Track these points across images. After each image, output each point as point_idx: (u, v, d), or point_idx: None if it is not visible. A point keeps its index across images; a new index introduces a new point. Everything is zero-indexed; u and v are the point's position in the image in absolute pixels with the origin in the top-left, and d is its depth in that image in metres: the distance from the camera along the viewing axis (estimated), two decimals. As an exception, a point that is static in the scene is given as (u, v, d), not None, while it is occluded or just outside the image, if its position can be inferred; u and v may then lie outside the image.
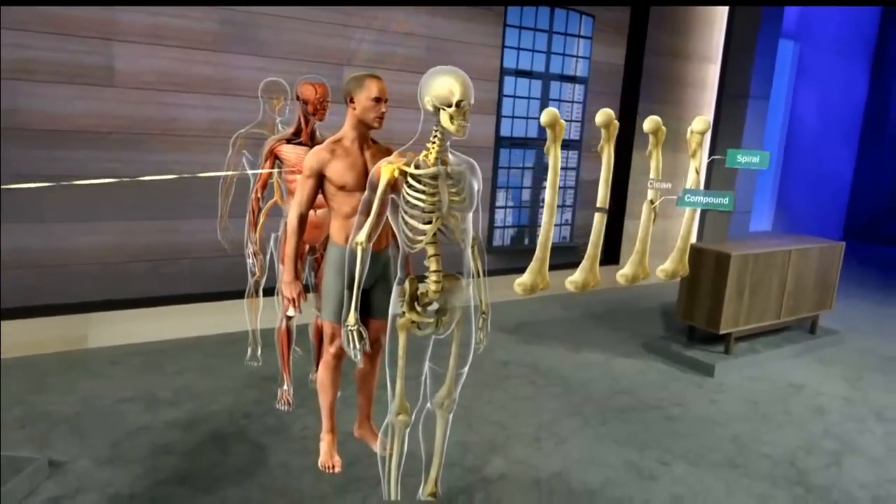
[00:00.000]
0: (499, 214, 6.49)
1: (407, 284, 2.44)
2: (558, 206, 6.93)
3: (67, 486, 2.86)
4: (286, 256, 2.84)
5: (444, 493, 2.91)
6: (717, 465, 3.43)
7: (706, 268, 4.78)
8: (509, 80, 6.19)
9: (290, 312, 3.45)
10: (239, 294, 4.29)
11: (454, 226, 2.42)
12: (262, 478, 3.01)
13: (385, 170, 2.36)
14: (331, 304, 2.82)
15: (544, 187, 6.70)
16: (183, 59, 4.65)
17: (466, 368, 2.56)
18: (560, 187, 6.74)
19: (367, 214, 2.41)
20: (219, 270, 4.89)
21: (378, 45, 5.37)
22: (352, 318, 2.50)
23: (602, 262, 7.41)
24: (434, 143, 2.33)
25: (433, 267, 2.41)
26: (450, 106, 2.23)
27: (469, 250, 2.50)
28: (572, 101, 6.66)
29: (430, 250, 2.40)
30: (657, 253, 7.93)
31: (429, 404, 2.64)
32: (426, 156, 2.36)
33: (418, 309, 2.47)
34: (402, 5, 5.42)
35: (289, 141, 3.49)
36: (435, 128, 2.31)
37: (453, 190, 2.38)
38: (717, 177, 7.25)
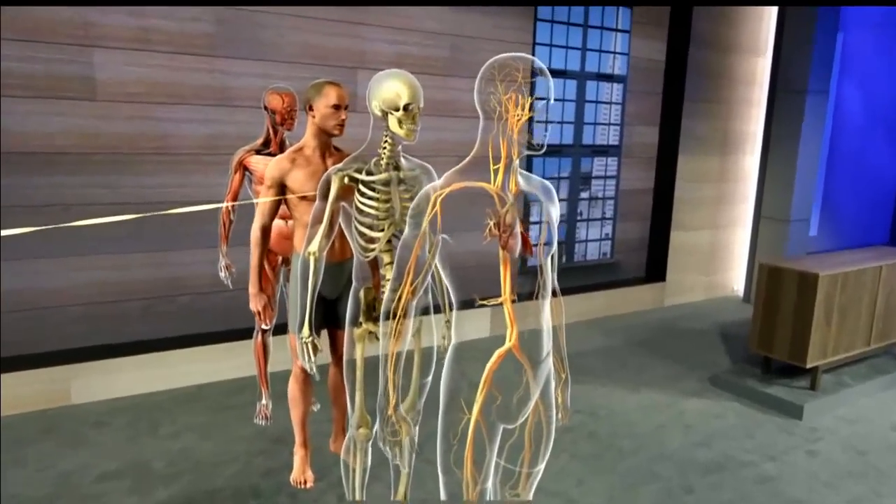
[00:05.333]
0: (533, 231, 5.83)
1: (362, 294, 2.38)
2: (597, 219, 6.32)
3: None
4: (251, 268, 2.83)
5: None
6: (841, 545, 2.75)
7: (787, 290, 4.09)
8: (541, 81, 5.53)
9: (265, 326, 3.40)
10: (246, 333, 3.68)
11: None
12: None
13: (335, 177, 2.35)
14: (297, 316, 2.66)
15: (583, 199, 6.07)
16: (174, 67, 4.04)
17: (430, 378, 2.37)
18: (599, 198, 6.12)
19: (320, 223, 2.40)
20: (222, 307, 4.26)
21: (396, 45, 4.74)
22: (306, 329, 2.53)
23: (646, 280, 6.77)
24: (385, 148, 2.32)
25: (389, 275, 2.23)
26: (397, 110, 2.23)
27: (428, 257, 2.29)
28: (610, 102, 6.01)
29: (386, 258, 2.34)
30: (707, 267, 7.20)
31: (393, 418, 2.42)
32: (377, 162, 2.34)
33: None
34: (420, 5, 4.80)
35: (258, 152, 3.37)
36: (385, 133, 2.29)
37: (406, 196, 2.34)
38: (771, 178, 6.55)
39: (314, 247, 2.41)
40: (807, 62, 6.04)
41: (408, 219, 1.83)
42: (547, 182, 1.80)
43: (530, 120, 1.80)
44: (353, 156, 2.44)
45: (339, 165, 2.39)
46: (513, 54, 1.72)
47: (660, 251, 6.51)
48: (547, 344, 1.78)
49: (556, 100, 5.67)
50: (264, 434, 3.54)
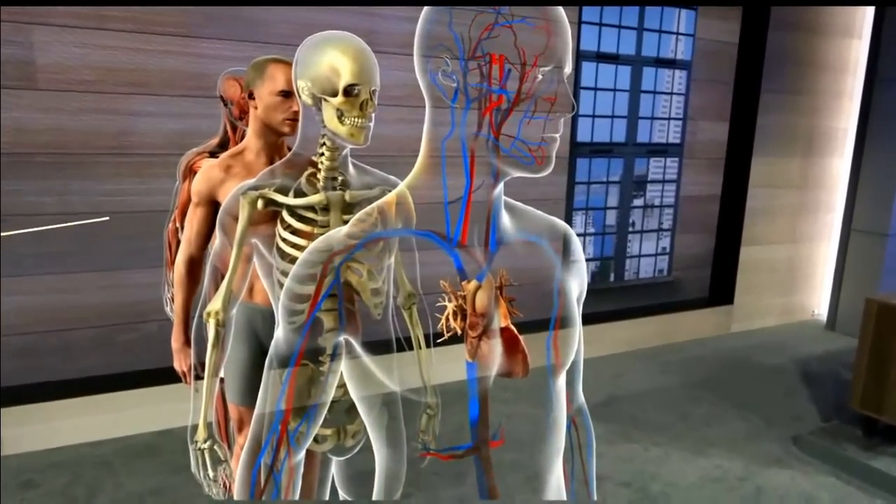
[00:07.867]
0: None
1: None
2: (653, 231, 5.43)
3: None
4: (174, 314, 2.16)
5: None
6: None
7: (906, 336, 3.15)
8: (588, 67, 4.68)
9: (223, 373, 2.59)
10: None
11: (360, 284, 1.40)
12: None
13: (244, 199, 1.59)
14: (235, 380, 2.07)
15: (637, 207, 5.18)
16: (137, 49, 3.35)
17: (399, 494, 1.67)
18: (655, 206, 5.21)
19: (223, 271, 1.68)
20: (197, 335, 3.56)
21: (413, 24, 3.95)
22: (201, 430, 1.74)
23: (710, 302, 5.78)
24: (321, 154, 1.62)
25: (331, 348, 1.53)
26: (335, 95, 1.53)
27: (390, 316, 1.61)
28: (671, 93, 5.09)
29: (327, 322, 1.57)
30: (783, 288, 6.09)
31: None
32: (312, 175, 1.64)
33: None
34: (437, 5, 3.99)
35: (212, 154, 2.63)
36: (322, 131, 1.58)
37: None
38: (866, 183, 5.49)
39: (216, 305, 1.66)
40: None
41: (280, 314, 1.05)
42: (562, 223, 0.97)
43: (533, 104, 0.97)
44: (281, 163, 1.69)
45: (252, 181, 1.64)
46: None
47: (727, 269, 5.55)
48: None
49: (606, 90, 4.80)
50: None
